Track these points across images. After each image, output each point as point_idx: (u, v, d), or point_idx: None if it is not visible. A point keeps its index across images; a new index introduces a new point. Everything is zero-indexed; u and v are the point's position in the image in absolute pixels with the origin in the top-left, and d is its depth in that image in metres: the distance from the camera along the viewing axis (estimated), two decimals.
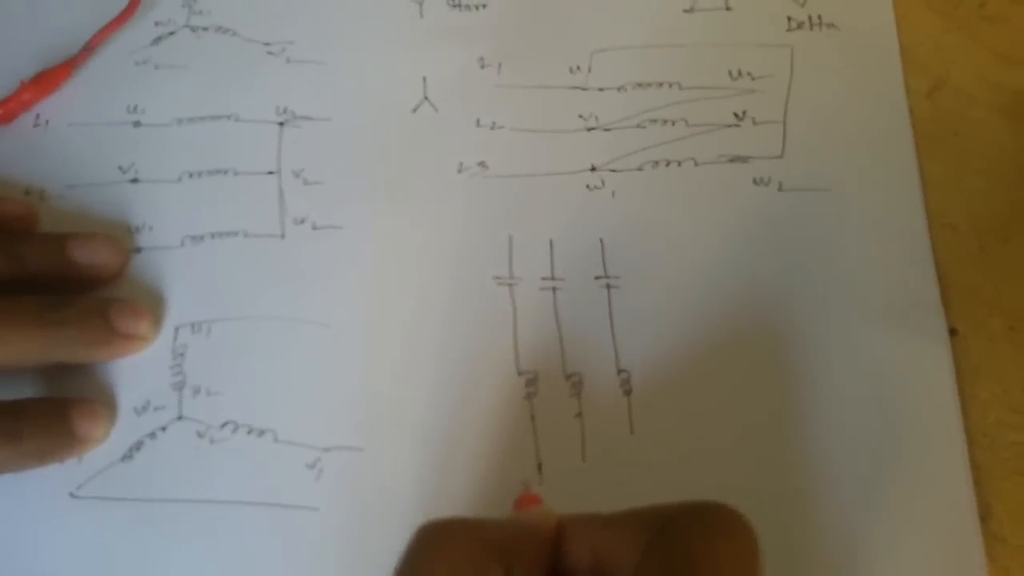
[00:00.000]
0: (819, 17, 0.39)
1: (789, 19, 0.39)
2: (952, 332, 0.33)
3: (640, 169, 0.37)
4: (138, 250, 0.36)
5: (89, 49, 0.39)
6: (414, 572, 0.24)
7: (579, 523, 0.26)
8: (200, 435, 0.33)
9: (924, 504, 0.31)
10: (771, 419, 0.33)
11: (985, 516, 0.31)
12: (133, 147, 0.38)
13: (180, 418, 0.33)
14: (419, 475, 0.32)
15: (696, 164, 0.37)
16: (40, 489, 0.32)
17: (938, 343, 0.33)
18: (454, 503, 0.32)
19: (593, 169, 0.37)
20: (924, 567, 0.31)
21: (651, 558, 0.24)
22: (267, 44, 0.40)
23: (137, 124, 0.38)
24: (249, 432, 0.33)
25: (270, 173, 0.37)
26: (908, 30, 0.39)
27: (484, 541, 0.25)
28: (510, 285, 0.35)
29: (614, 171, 0.37)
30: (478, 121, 0.38)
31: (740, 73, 0.38)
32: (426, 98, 0.39)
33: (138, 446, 0.33)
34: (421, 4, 0.40)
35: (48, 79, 0.39)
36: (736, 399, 0.33)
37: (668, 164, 0.37)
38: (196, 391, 0.34)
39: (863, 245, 0.35)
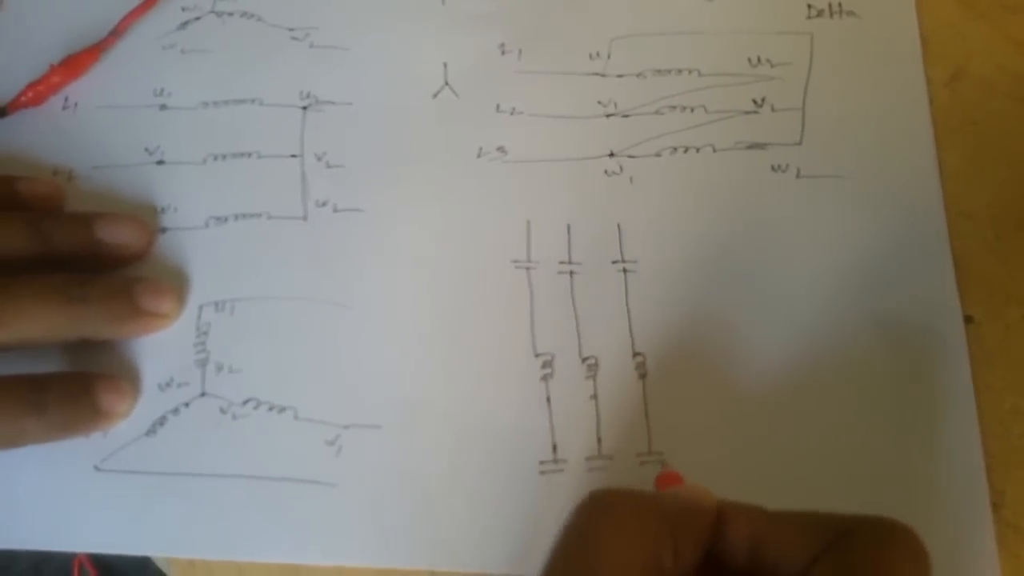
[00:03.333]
0: (839, 5, 0.39)
1: (809, 7, 0.39)
2: (968, 320, 0.34)
3: (658, 155, 0.37)
4: (163, 230, 0.37)
5: (117, 33, 0.40)
6: (586, 541, 0.24)
7: (743, 511, 0.26)
8: (223, 411, 0.34)
9: (936, 490, 0.31)
10: (784, 402, 0.33)
11: (997, 503, 0.31)
12: (159, 129, 0.39)
13: (203, 394, 0.34)
14: (436, 453, 0.33)
15: (714, 151, 0.37)
16: (66, 462, 0.33)
17: (953, 331, 0.33)
18: (469, 481, 0.32)
19: (611, 155, 0.37)
20: (936, 554, 0.30)
21: (825, 569, 0.23)
22: (291, 29, 0.41)
23: (163, 107, 0.39)
24: (270, 409, 0.34)
25: (293, 156, 0.38)
26: (928, 19, 0.39)
27: (655, 514, 0.25)
28: (528, 268, 0.35)
29: (632, 157, 0.37)
30: (498, 106, 0.39)
31: (759, 60, 0.39)
32: (447, 83, 0.39)
33: (162, 421, 0.34)
34: None
35: (77, 62, 0.39)
36: (750, 383, 0.33)
37: (686, 150, 0.37)
38: (219, 368, 0.35)
39: (880, 232, 0.35)
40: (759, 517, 0.25)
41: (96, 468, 0.33)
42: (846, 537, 0.24)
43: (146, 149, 0.38)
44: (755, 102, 0.38)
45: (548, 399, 0.33)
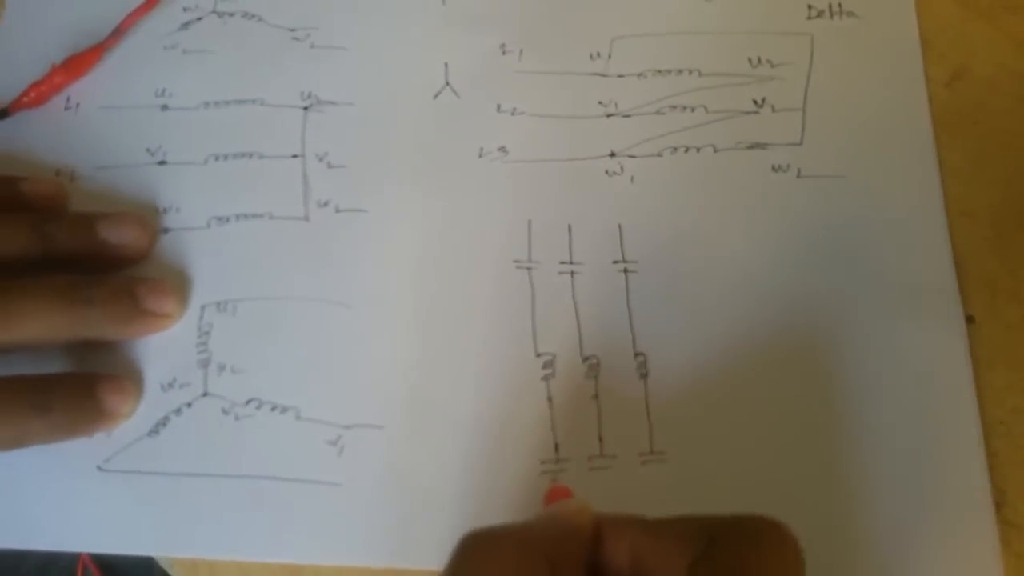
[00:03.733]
0: (839, 5, 0.39)
1: (809, 7, 0.39)
2: (969, 320, 0.34)
3: (659, 155, 0.37)
4: (165, 230, 0.37)
5: (119, 33, 0.40)
6: None
7: (620, 525, 0.26)
8: (225, 412, 0.34)
9: (939, 490, 0.31)
10: (784, 403, 0.33)
11: (1000, 503, 0.31)
12: (161, 130, 0.39)
13: (205, 395, 0.34)
14: (438, 453, 0.33)
15: (715, 151, 0.37)
16: (69, 462, 0.33)
17: (955, 330, 0.33)
18: (472, 480, 0.32)
19: (612, 155, 0.37)
20: (939, 553, 0.31)
21: (700, 574, 0.24)
22: (292, 30, 0.41)
23: (165, 107, 0.39)
24: (273, 409, 0.34)
25: (294, 157, 0.38)
26: (928, 18, 0.39)
27: (528, 547, 0.25)
28: (529, 269, 0.36)
29: (633, 157, 0.37)
30: (499, 107, 0.39)
31: (760, 60, 0.39)
32: (448, 84, 0.39)
33: (164, 421, 0.34)
34: None
35: (79, 63, 0.39)
36: (751, 383, 0.33)
37: (687, 150, 0.37)
38: (221, 368, 0.35)
39: (881, 232, 0.35)
40: (636, 529, 0.25)
41: (99, 468, 0.33)
42: (715, 543, 0.24)
43: (148, 149, 0.38)
44: (756, 102, 0.38)
45: (549, 399, 0.33)
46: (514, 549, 0.25)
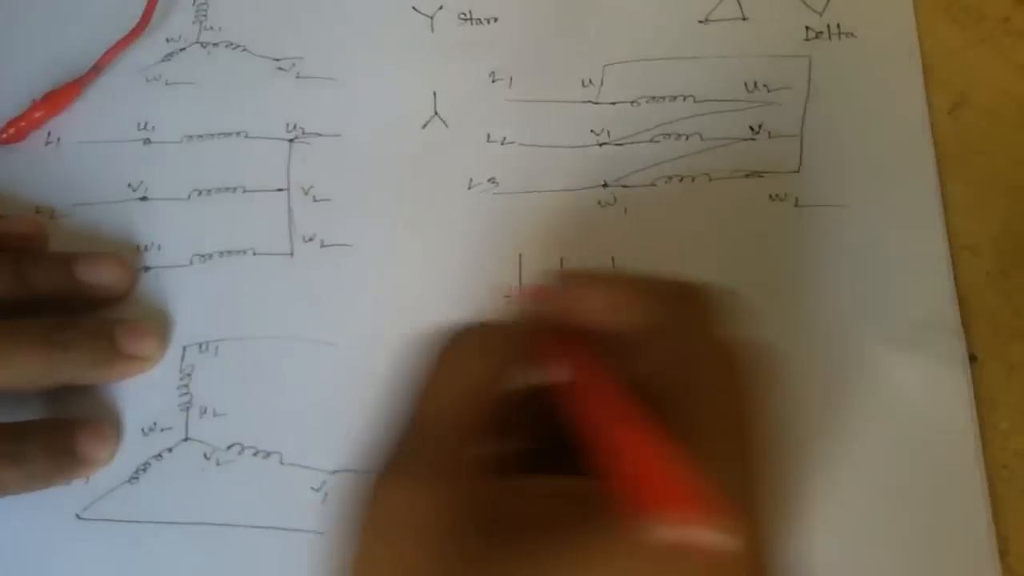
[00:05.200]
0: (838, 26, 0.38)
1: (807, 28, 0.38)
2: (972, 359, 0.33)
3: (653, 185, 0.36)
4: (146, 269, 0.36)
5: (99, 67, 0.39)
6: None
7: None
8: (206, 457, 0.33)
9: (940, 537, 0.30)
10: (783, 439, 0.32)
11: (1003, 551, 0.30)
12: (143, 164, 0.38)
13: (187, 439, 0.33)
14: None
15: (711, 179, 0.36)
16: (47, 511, 0.33)
17: (957, 370, 0.32)
18: None
19: (605, 185, 0.36)
20: None
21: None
22: (277, 60, 0.40)
23: (147, 141, 0.38)
24: (255, 454, 0.33)
25: (279, 190, 0.37)
26: (930, 44, 0.37)
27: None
28: None
29: (626, 187, 0.36)
30: (488, 136, 0.38)
31: (756, 85, 0.38)
32: (436, 113, 0.38)
33: (144, 467, 0.33)
34: (432, 18, 0.40)
35: (59, 97, 0.39)
36: None
37: (682, 179, 0.36)
38: (203, 412, 0.34)
39: (881, 265, 0.34)
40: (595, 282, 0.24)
41: (78, 517, 0.33)
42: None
43: (129, 185, 0.38)
44: (752, 129, 0.37)
45: None
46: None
